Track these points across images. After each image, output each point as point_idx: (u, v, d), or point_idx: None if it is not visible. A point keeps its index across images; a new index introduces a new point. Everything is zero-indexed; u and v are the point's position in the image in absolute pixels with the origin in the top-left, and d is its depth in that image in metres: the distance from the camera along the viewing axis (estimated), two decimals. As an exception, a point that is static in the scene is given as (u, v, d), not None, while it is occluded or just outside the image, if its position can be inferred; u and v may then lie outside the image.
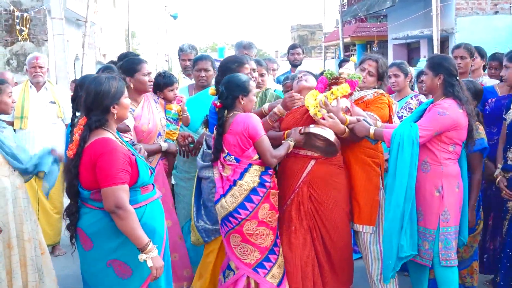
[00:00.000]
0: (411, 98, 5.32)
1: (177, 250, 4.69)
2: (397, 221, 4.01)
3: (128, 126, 4.33)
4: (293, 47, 8.01)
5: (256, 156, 4.08)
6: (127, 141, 3.69)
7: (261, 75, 5.22)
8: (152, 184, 3.46)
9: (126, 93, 3.35)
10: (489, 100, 4.88)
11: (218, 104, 4.11)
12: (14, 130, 6.07)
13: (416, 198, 4.09)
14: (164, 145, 4.73)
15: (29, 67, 6.26)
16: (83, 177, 3.22)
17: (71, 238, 3.34)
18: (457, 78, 4.10)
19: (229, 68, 4.49)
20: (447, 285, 4.10)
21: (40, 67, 6.23)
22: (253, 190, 4.05)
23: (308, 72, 4.70)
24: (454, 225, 4.08)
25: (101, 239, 3.21)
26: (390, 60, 19.16)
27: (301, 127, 4.20)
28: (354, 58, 4.37)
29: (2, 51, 12.43)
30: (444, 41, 15.81)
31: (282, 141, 4.21)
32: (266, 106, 4.55)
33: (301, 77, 4.49)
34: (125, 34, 32.28)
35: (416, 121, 4.13)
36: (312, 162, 4.27)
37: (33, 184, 6.08)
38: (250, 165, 4.07)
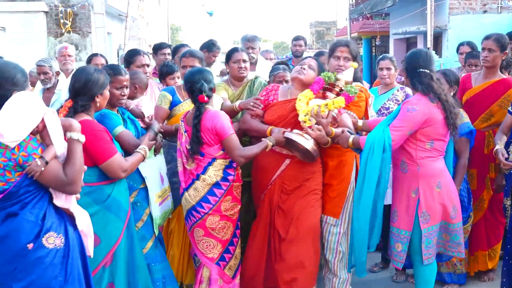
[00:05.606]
0: (397, 90, 4.81)
1: None
2: (367, 223, 3.44)
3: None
4: (296, 38, 7.44)
5: (221, 152, 3.55)
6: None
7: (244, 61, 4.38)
8: None
9: (108, 86, 3.18)
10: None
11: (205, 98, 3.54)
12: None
13: (393, 198, 3.60)
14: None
15: (58, 55, 6.25)
16: None
17: None
18: (422, 70, 3.42)
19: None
20: (427, 282, 3.61)
21: (69, 55, 6.26)
22: (216, 184, 3.53)
23: (314, 58, 3.92)
24: (434, 224, 3.50)
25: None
26: (391, 53, 18.79)
27: (284, 130, 3.60)
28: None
29: (53, 41, 12.49)
30: (437, 37, 15.48)
31: (262, 138, 3.60)
32: (237, 104, 3.90)
33: (304, 68, 3.73)
34: (171, 28, 32.22)
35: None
36: (287, 162, 3.74)
37: None
38: (214, 159, 3.53)
